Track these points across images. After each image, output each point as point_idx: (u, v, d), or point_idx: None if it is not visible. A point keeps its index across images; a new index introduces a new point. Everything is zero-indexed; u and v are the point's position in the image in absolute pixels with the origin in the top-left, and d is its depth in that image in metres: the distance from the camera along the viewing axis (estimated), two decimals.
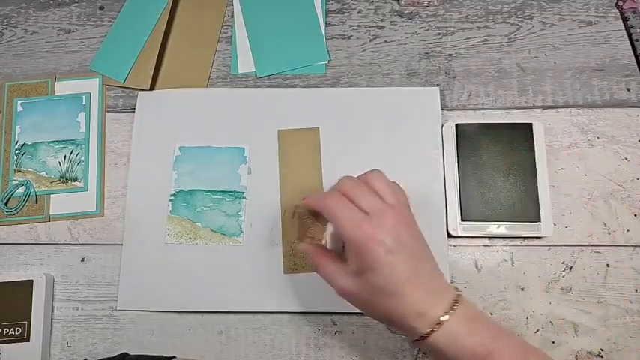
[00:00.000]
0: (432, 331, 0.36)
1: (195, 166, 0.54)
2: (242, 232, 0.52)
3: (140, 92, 0.57)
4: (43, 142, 0.56)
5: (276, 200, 0.53)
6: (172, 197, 0.53)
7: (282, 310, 0.50)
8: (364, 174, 0.41)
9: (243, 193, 0.53)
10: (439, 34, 0.59)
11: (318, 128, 0.54)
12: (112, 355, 0.48)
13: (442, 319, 0.36)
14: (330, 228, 0.42)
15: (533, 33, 0.58)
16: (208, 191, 0.53)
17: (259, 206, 0.53)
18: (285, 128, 0.55)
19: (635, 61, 0.56)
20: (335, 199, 0.39)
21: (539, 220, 0.50)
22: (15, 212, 0.54)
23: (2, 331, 0.49)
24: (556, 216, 0.51)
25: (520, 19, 0.59)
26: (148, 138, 0.55)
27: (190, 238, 0.52)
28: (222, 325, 0.50)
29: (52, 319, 0.51)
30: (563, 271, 0.50)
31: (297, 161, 0.54)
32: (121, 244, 0.52)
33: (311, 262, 0.44)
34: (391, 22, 0.60)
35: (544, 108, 0.55)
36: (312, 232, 0.45)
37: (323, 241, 0.43)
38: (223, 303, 0.50)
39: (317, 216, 0.44)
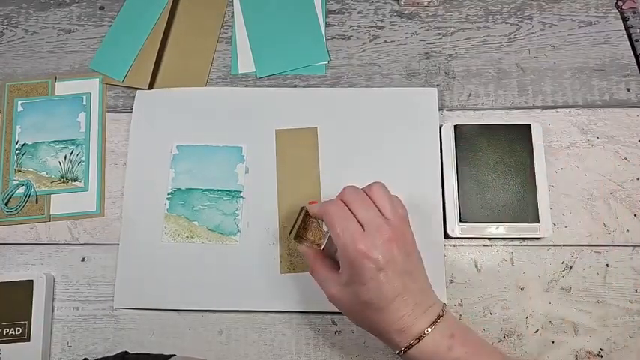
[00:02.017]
0: (411, 345, 0.38)
1: (193, 165, 0.54)
2: (239, 231, 0.52)
3: (138, 91, 0.57)
4: (44, 142, 0.56)
5: (273, 199, 0.53)
6: (169, 195, 0.53)
7: (280, 310, 0.50)
8: (367, 185, 0.42)
9: (240, 192, 0.53)
10: (439, 34, 0.59)
11: (316, 128, 0.54)
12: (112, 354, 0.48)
13: (423, 333, 0.38)
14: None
15: (532, 33, 0.58)
16: (205, 190, 0.54)
17: (256, 205, 0.53)
18: (283, 128, 0.55)
19: (634, 61, 0.56)
20: (335, 207, 0.40)
21: (538, 222, 0.50)
22: (15, 212, 0.54)
23: (2, 331, 0.49)
24: (556, 216, 0.51)
25: (520, 20, 0.59)
26: (145, 136, 0.55)
27: (187, 237, 0.52)
28: (222, 324, 0.51)
29: (52, 318, 0.51)
30: (563, 270, 0.50)
31: (295, 161, 0.54)
32: None
33: (307, 264, 0.45)
34: (391, 22, 0.60)
35: (544, 108, 0.55)
36: (313, 233, 0.46)
37: (323, 242, 0.44)
38: (220, 302, 0.50)
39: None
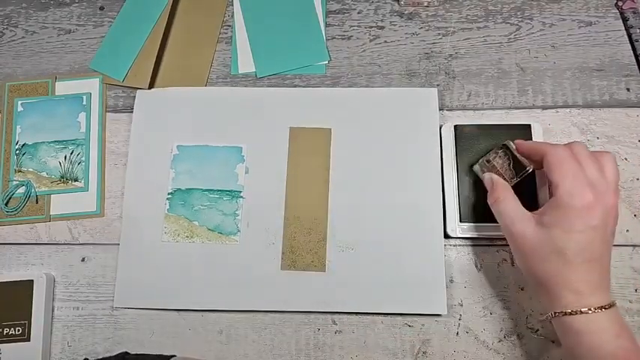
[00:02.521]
0: (580, 312, 0.37)
1: (193, 165, 0.54)
2: (239, 231, 0.52)
3: (138, 91, 0.57)
4: (44, 142, 0.56)
5: (273, 200, 0.53)
6: (170, 195, 0.53)
7: (280, 310, 0.50)
8: (598, 151, 0.42)
9: (240, 192, 0.53)
10: (439, 34, 0.59)
11: (330, 129, 0.54)
12: (113, 354, 0.48)
13: (606, 305, 0.37)
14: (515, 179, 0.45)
15: (533, 33, 0.58)
16: (205, 190, 0.54)
17: (256, 205, 0.53)
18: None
19: (635, 61, 0.56)
20: (566, 152, 0.40)
21: None
22: (15, 212, 0.54)
23: (2, 331, 0.49)
24: None
25: (520, 20, 0.59)
26: (146, 136, 0.55)
27: (187, 237, 0.52)
28: (222, 324, 0.51)
29: (52, 318, 0.51)
30: None
31: (307, 160, 0.54)
32: None
33: (492, 193, 0.45)
34: (391, 22, 0.60)
35: (544, 108, 0.55)
36: (502, 169, 0.47)
37: (514, 179, 0.46)
38: (220, 302, 0.50)
39: (518, 161, 0.46)
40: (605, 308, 0.38)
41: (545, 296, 0.41)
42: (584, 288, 0.38)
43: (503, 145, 0.47)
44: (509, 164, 0.47)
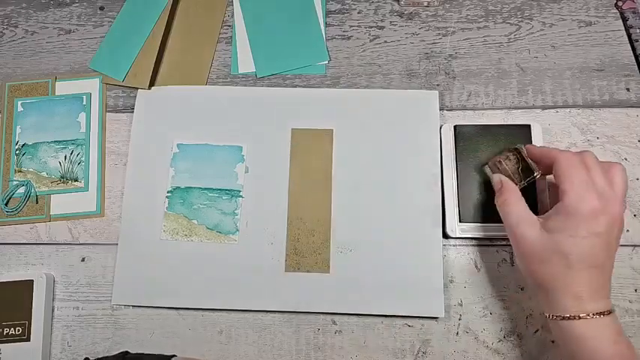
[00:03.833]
0: (579, 317, 0.38)
1: (193, 164, 0.54)
2: (238, 230, 0.52)
3: (140, 89, 0.57)
4: (44, 142, 0.56)
5: (273, 200, 0.53)
6: (169, 194, 0.53)
7: (280, 310, 0.50)
8: (608, 162, 0.42)
9: (239, 191, 0.53)
10: (439, 34, 0.59)
11: (332, 130, 0.54)
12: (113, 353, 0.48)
13: (606, 312, 0.38)
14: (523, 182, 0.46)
15: (532, 33, 0.58)
16: (205, 189, 0.54)
17: (256, 205, 0.53)
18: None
19: (634, 61, 0.56)
20: (576, 159, 0.41)
21: None
22: (15, 212, 0.54)
23: (2, 331, 0.49)
24: None
25: (520, 20, 0.59)
26: (146, 134, 0.55)
27: (186, 235, 0.52)
28: (222, 324, 0.51)
29: (52, 318, 0.51)
30: None
31: (309, 161, 0.54)
32: None
33: (500, 194, 0.45)
34: (391, 22, 0.60)
35: (544, 108, 0.55)
36: (511, 172, 0.47)
37: (523, 183, 0.46)
38: (219, 301, 0.50)
39: (526, 165, 0.46)
40: (603, 314, 0.38)
41: (544, 299, 0.41)
42: (584, 293, 0.38)
43: (515, 148, 0.47)
44: (518, 168, 0.47)
